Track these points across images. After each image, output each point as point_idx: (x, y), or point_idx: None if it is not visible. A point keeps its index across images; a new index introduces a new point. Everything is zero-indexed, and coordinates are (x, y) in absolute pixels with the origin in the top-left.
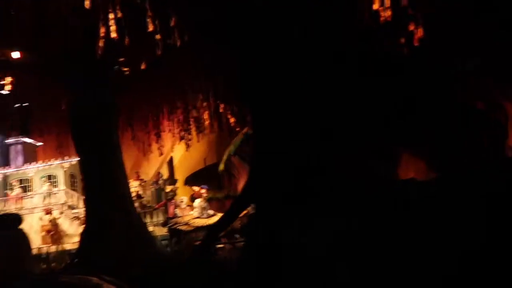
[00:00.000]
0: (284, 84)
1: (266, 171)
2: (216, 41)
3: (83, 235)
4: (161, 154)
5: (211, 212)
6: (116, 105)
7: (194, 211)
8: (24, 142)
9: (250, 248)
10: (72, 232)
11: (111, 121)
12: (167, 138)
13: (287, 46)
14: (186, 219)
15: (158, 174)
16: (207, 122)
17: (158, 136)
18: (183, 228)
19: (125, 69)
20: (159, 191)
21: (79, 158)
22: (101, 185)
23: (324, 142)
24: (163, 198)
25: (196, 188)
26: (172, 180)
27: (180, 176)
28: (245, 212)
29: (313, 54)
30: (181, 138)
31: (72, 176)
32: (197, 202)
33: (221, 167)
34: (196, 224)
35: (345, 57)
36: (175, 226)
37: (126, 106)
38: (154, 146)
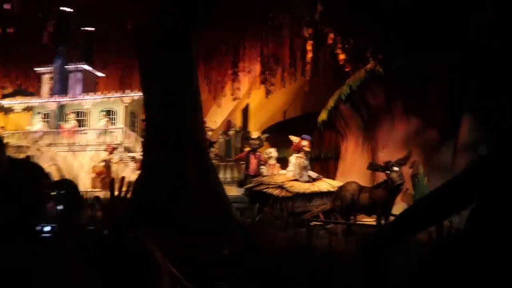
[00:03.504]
0: None
1: None
2: None
3: (137, 184)
4: (235, 98)
5: (313, 174)
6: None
7: (289, 171)
8: (85, 70)
9: None
10: (126, 178)
11: (189, 44)
12: (244, 81)
13: None
14: (277, 180)
15: (229, 123)
16: (309, 56)
17: (235, 75)
18: (275, 192)
19: None
20: (229, 143)
21: (143, 92)
22: (167, 126)
23: None
24: (233, 152)
25: (295, 139)
26: (245, 131)
27: (253, 128)
28: None
29: None
30: (263, 81)
31: (132, 114)
32: (294, 158)
33: (323, 116)
34: (294, 189)
35: None
36: (259, 188)
37: (200, 38)
38: (228, 88)
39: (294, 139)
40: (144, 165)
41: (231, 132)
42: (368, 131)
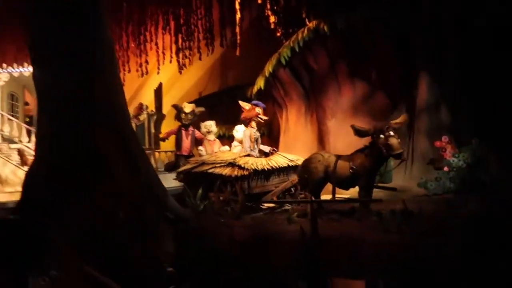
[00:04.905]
0: None
1: None
2: None
3: (30, 179)
4: (143, 73)
5: (266, 148)
6: None
7: (235, 146)
8: None
9: None
10: (8, 176)
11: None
12: (152, 54)
13: None
14: (225, 157)
15: (140, 105)
16: (238, 17)
17: (140, 47)
18: (225, 172)
19: None
20: (141, 129)
21: (32, 67)
22: (71, 97)
23: None
24: (146, 139)
25: (246, 105)
26: (160, 114)
27: (165, 109)
28: None
29: None
30: (179, 50)
31: (12, 96)
32: (240, 130)
33: (260, 84)
34: (250, 166)
35: None
36: (202, 169)
37: None
38: (132, 63)
39: (245, 105)
40: (39, 153)
41: (142, 117)
42: (311, 100)
